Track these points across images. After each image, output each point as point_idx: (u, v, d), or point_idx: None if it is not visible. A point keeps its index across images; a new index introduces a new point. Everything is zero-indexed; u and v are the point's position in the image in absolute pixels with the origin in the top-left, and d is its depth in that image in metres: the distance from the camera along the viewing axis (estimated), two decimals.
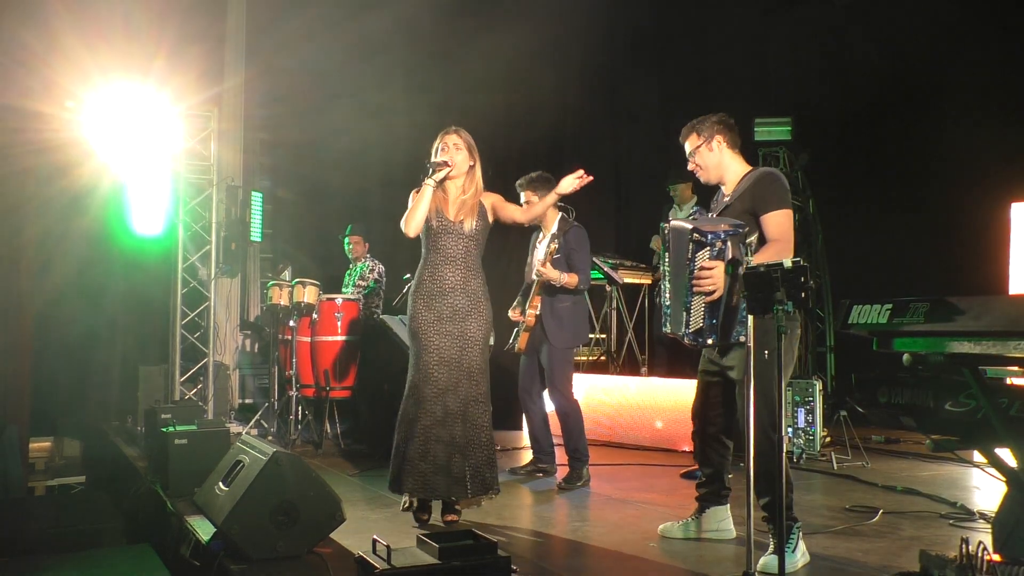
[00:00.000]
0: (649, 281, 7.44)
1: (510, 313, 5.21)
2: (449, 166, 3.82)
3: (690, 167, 3.58)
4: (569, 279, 4.93)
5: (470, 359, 3.77)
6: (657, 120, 8.74)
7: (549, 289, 4.97)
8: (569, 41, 8.22)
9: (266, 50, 7.64)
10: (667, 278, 3.39)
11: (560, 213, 5.14)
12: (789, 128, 7.55)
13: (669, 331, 3.41)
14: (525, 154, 8.50)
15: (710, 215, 3.52)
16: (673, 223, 3.39)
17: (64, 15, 5.94)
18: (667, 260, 3.38)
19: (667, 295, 3.39)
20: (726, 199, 3.49)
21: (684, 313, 3.24)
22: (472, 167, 3.92)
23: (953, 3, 6.84)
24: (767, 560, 3.28)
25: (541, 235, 5.20)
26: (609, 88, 9.14)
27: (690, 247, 3.20)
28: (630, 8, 8.47)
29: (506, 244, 8.15)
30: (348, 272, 7.27)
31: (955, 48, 6.85)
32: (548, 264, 4.90)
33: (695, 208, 3.43)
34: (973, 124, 6.47)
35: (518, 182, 5.14)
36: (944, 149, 6.68)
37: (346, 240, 7.13)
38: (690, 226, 3.23)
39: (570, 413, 4.95)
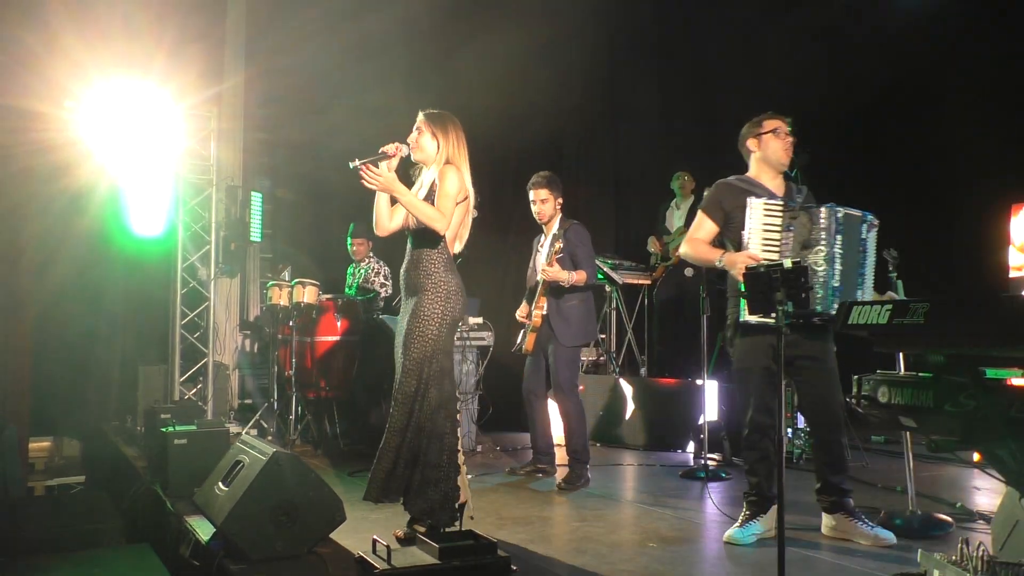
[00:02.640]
0: (648, 281, 7.44)
1: (517, 314, 5.21)
2: (390, 155, 3.56)
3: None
4: (578, 277, 4.95)
5: (404, 356, 3.48)
6: (657, 120, 8.73)
7: (556, 289, 4.98)
8: (569, 41, 8.21)
9: (266, 50, 7.63)
10: (837, 261, 3.52)
11: (560, 213, 5.14)
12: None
13: (835, 311, 3.45)
14: (525, 154, 8.50)
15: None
16: (840, 209, 3.55)
17: (63, 14, 5.94)
18: (838, 243, 3.52)
19: (836, 276, 3.51)
20: (798, 197, 3.73)
21: (859, 291, 3.58)
22: (439, 149, 3.61)
23: (953, 3, 6.84)
24: (730, 532, 3.61)
25: (544, 237, 5.20)
26: (609, 88, 9.14)
27: (864, 228, 3.60)
28: (630, 8, 8.47)
29: (505, 246, 8.16)
30: (351, 271, 7.26)
31: (955, 48, 6.85)
32: (555, 265, 4.90)
33: (790, 196, 3.71)
34: (973, 124, 6.47)
35: (533, 180, 5.11)
36: (944, 149, 6.68)
37: (349, 240, 7.12)
38: (859, 212, 3.61)
39: (573, 413, 4.96)
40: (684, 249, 3.85)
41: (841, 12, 7.57)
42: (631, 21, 8.68)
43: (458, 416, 3.69)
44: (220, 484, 3.60)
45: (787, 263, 2.75)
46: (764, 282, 2.74)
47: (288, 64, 7.70)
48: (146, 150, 6.39)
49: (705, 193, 3.89)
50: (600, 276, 7.10)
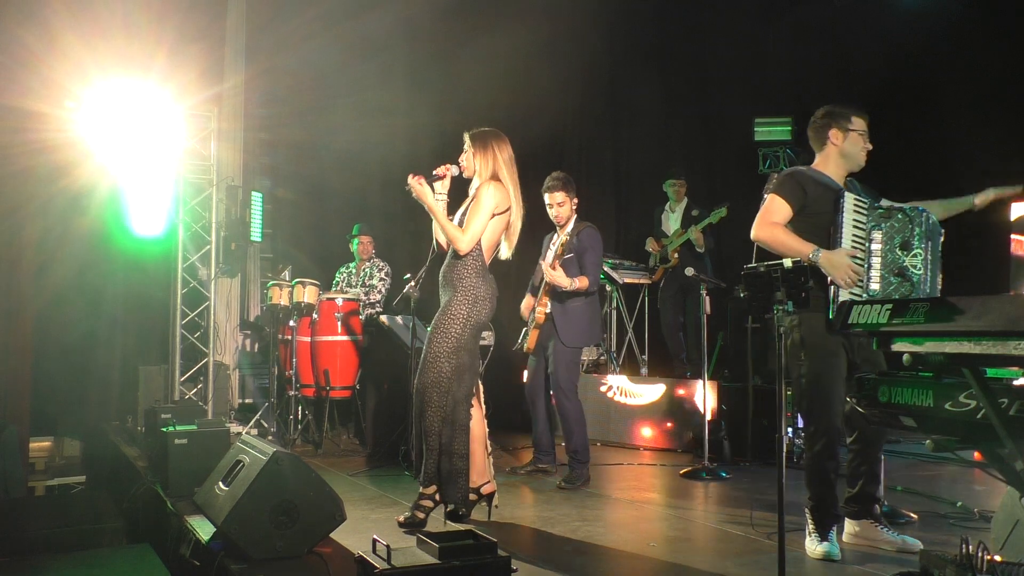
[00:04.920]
0: (649, 281, 7.43)
1: (522, 307, 5.19)
2: (440, 176, 3.89)
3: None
4: (580, 283, 4.89)
5: (429, 347, 3.76)
6: (657, 120, 8.73)
7: (559, 290, 4.94)
8: (569, 41, 8.21)
9: (266, 49, 7.63)
10: (928, 266, 3.37)
11: (575, 214, 5.09)
12: (789, 128, 7.55)
13: None
14: (525, 154, 8.45)
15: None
16: (931, 214, 3.41)
17: (63, 14, 5.94)
18: (928, 248, 3.37)
19: (927, 282, 3.36)
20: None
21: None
22: (482, 166, 3.87)
23: (953, 3, 6.84)
24: (826, 548, 3.40)
25: (556, 234, 5.15)
26: (609, 88, 9.14)
27: (939, 237, 3.47)
28: (630, 8, 8.47)
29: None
30: (350, 270, 7.24)
31: (955, 48, 6.85)
32: (558, 267, 4.85)
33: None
34: (973, 124, 6.47)
35: (548, 183, 5.03)
36: (944, 149, 6.68)
37: (355, 240, 7.08)
38: (935, 218, 3.46)
39: (572, 413, 4.94)
40: (763, 234, 3.48)
41: (841, 12, 7.57)
42: (631, 21, 8.68)
43: (480, 411, 3.95)
44: (220, 484, 3.60)
45: (787, 263, 2.73)
46: (764, 282, 2.74)
47: (288, 64, 7.70)
48: (146, 150, 6.40)
49: (775, 177, 3.70)
50: (601, 276, 7.10)
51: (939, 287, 3.46)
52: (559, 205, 5.00)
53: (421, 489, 3.81)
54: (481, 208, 3.79)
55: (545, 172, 5.23)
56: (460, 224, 3.83)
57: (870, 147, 3.59)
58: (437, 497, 3.79)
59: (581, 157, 9.07)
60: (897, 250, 3.34)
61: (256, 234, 7.22)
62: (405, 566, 2.65)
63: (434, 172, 3.89)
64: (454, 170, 3.92)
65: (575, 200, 5.06)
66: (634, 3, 8.50)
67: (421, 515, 3.76)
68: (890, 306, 2.22)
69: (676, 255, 7.10)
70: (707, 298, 5.38)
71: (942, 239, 3.49)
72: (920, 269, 3.35)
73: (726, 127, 8.17)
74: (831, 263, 3.32)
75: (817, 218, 3.44)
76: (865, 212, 3.39)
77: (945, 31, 6.88)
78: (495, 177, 3.87)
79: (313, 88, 7.92)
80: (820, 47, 7.75)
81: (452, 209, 3.97)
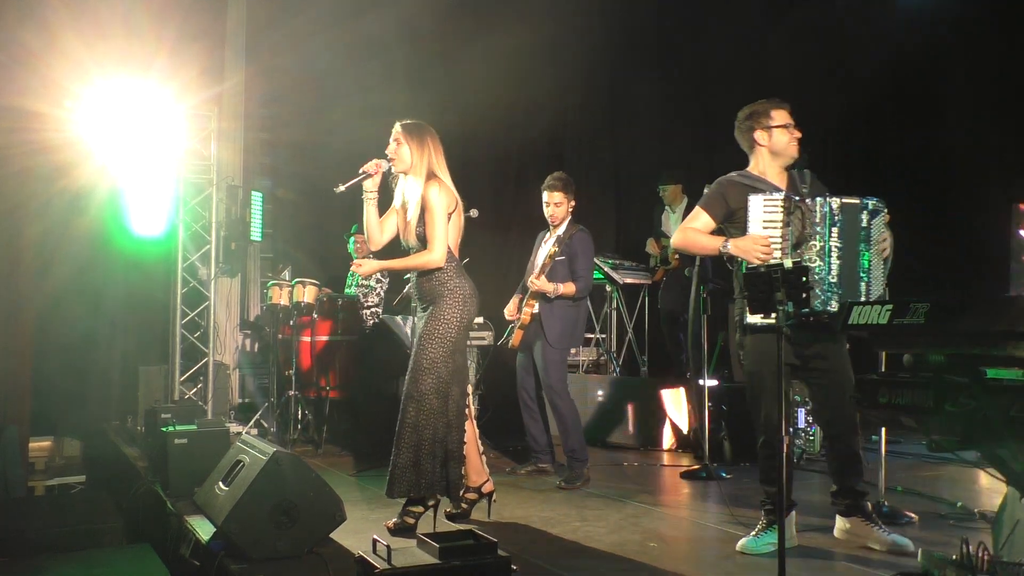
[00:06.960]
0: (649, 282, 7.43)
1: (506, 311, 5.19)
2: (372, 174, 3.76)
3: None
4: (565, 288, 4.89)
5: (414, 356, 3.71)
6: (657, 120, 8.73)
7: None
8: (569, 41, 8.20)
9: (266, 49, 7.63)
10: (833, 255, 3.36)
11: (570, 215, 5.08)
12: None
13: (833, 308, 3.33)
14: (525, 153, 8.48)
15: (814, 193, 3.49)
16: (836, 198, 3.39)
17: (63, 13, 5.93)
18: (833, 235, 3.36)
19: (832, 272, 3.35)
20: (803, 187, 3.55)
21: (863, 284, 3.40)
22: (419, 161, 3.75)
23: (953, 3, 6.85)
24: (744, 542, 3.44)
25: (548, 235, 5.14)
26: (609, 88, 9.14)
27: (865, 216, 3.40)
28: (630, 7, 8.47)
29: (505, 245, 8.15)
30: (352, 273, 7.26)
31: (955, 48, 6.85)
32: (543, 277, 4.87)
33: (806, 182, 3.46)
34: (973, 124, 6.47)
35: (548, 182, 5.03)
36: (944, 149, 6.68)
37: (352, 239, 7.11)
38: (858, 199, 3.43)
39: (565, 412, 4.94)
40: (677, 238, 3.67)
41: (841, 12, 7.57)
42: (632, 21, 8.68)
43: (469, 411, 3.89)
44: (220, 484, 3.60)
45: (787, 263, 2.74)
46: (764, 282, 2.74)
47: (288, 64, 7.70)
48: (146, 150, 6.40)
49: (706, 189, 3.76)
50: (600, 276, 7.09)
51: (869, 273, 3.41)
52: (556, 205, 5.00)
53: (409, 507, 3.73)
54: (436, 215, 3.69)
55: (545, 172, 5.24)
56: (421, 239, 3.72)
57: (798, 135, 3.60)
58: (430, 503, 3.75)
59: (581, 157, 9.07)
60: (794, 248, 3.36)
61: (256, 234, 7.22)
62: (405, 566, 2.65)
63: (362, 170, 3.74)
64: (384, 165, 3.78)
65: (572, 203, 5.05)
66: (634, 3, 8.50)
67: (411, 520, 3.70)
68: (890, 306, 2.22)
69: (677, 257, 7.09)
70: (707, 298, 5.37)
71: (874, 217, 3.43)
72: (816, 261, 3.35)
73: (726, 127, 8.17)
74: (739, 248, 3.42)
75: (744, 224, 3.48)
76: (780, 209, 3.39)
77: (946, 30, 6.89)
78: (433, 174, 3.74)
79: (313, 88, 7.92)
80: (820, 47, 7.75)
81: (383, 205, 3.87)
